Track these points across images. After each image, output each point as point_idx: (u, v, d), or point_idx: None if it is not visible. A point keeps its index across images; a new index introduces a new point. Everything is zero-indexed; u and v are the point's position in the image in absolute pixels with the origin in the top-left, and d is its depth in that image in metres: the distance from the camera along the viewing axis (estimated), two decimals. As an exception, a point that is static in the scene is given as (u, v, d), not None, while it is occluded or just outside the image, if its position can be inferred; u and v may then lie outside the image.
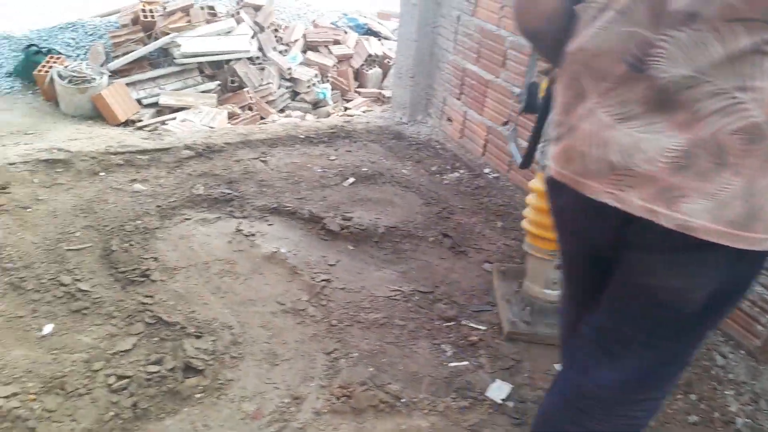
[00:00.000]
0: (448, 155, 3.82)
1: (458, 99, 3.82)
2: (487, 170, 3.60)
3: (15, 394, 1.70)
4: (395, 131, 4.13)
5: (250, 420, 1.79)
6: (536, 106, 2.06)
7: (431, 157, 3.80)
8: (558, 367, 2.15)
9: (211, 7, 4.97)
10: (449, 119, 4.00)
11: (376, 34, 6.50)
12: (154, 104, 4.43)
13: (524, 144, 2.18)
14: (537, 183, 2.21)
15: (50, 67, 4.28)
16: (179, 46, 4.50)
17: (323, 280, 2.44)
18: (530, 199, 2.23)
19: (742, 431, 1.94)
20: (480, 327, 2.30)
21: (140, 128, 4.12)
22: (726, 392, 2.10)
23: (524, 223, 2.25)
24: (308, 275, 2.46)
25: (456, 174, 3.57)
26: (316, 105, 5.37)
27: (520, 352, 2.20)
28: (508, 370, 2.11)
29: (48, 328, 1.98)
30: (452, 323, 2.30)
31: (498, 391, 2.02)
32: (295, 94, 5.34)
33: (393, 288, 2.45)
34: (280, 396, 1.88)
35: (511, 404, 1.97)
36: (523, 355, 2.19)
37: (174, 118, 4.23)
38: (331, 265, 2.56)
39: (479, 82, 3.56)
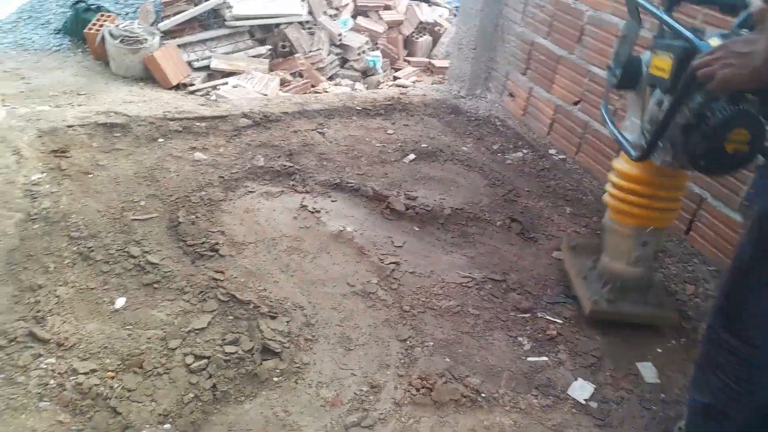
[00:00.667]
0: (510, 133, 3.67)
1: (523, 74, 3.65)
2: (552, 151, 3.44)
3: (94, 371, 1.66)
4: (452, 105, 3.98)
5: (330, 407, 1.73)
6: (635, 82, 1.91)
7: (492, 134, 3.65)
8: (642, 367, 2.05)
9: (263, -32, 4.80)
10: (512, 95, 3.83)
11: (427, 0, 6.27)
12: (206, 68, 4.33)
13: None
14: (619, 162, 2.08)
15: (101, 25, 4.19)
16: (231, 7, 4.37)
17: (392, 263, 2.35)
18: (613, 174, 2.10)
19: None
20: (557, 320, 2.20)
21: (192, 92, 4.04)
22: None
23: (606, 197, 2.12)
24: (376, 256, 2.38)
25: (519, 153, 3.43)
26: (366, 73, 5.22)
27: (600, 348, 2.11)
28: (589, 368, 2.02)
29: (120, 302, 1.94)
30: (528, 315, 2.21)
31: (581, 390, 1.94)
32: (344, 61, 5.19)
33: (464, 274, 2.36)
34: (358, 383, 1.82)
35: (594, 404, 1.89)
36: (604, 352, 2.10)
37: (226, 83, 4.13)
38: (398, 246, 2.48)
39: (549, 58, 3.38)
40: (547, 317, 2.21)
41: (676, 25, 1.65)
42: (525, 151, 3.46)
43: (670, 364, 2.09)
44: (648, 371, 2.04)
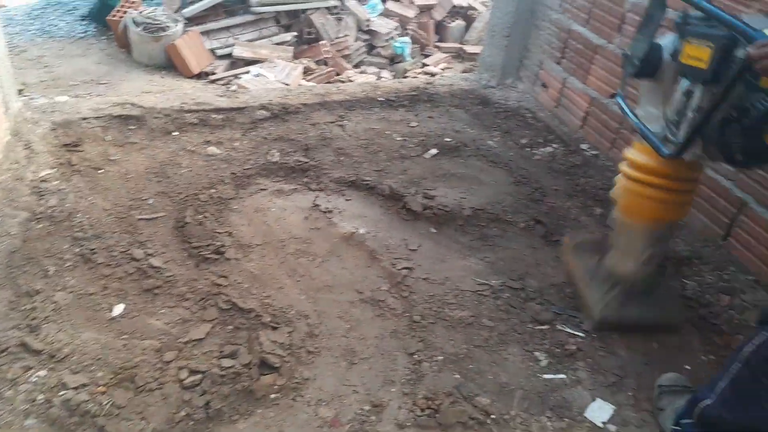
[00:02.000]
0: (540, 126, 3.48)
1: (558, 63, 3.45)
2: (584, 146, 3.25)
3: (84, 385, 1.61)
4: (481, 95, 3.80)
5: (328, 428, 1.64)
6: (655, 70, 1.75)
7: (521, 127, 3.47)
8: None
9: (289, -48, 4.68)
10: (544, 85, 3.63)
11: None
12: (228, 55, 4.25)
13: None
14: (633, 153, 1.93)
15: (125, 12, 4.15)
16: (256, -7, 4.28)
17: (404, 268, 2.24)
18: (626, 166, 1.95)
19: None
20: (578, 333, 2.05)
21: (213, 81, 3.98)
22: None
23: (617, 191, 1.98)
24: (388, 261, 2.27)
25: (549, 148, 3.25)
26: (393, 60, 5.06)
27: (624, 366, 1.96)
28: (609, 387, 1.88)
29: (119, 309, 1.89)
30: (546, 327, 2.07)
31: (599, 411, 1.80)
32: (371, 48, 5.04)
33: (480, 281, 2.23)
34: (359, 401, 1.73)
35: (613, 428, 1.75)
36: (627, 370, 1.95)
37: (247, 72, 4.05)
38: (412, 250, 2.36)
39: (586, 47, 3.18)
40: (568, 330, 2.07)
41: (719, 12, 1.50)
42: (555, 145, 3.28)
43: (698, 383, 1.92)
44: (676, 394, 1.88)
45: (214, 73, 4.00)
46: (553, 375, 1.90)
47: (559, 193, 2.85)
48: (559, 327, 2.08)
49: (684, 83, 1.67)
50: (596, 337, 2.06)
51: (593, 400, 1.82)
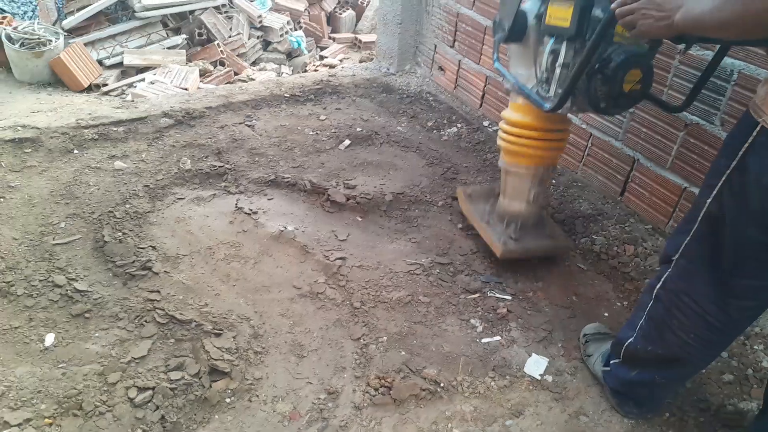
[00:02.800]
0: (443, 108, 3.63)
1: (451, 47, 3.60)
2: (486, 123, 3.44)
3: (28, 420, 1.53)
4: (384, 84, 3.90)
5: (288, 422, 1.67)
6: (522, 34, 1.95)
7: (425, 110, 3.61)
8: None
9: (168, -48, 4.51)
10: (441, 68, 3.79)
11: (346, -26, 6.09)
12: (118, 64, 4.05)
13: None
14: (512, 114, 2.16)
15: (-4, 28, 3.84)
16: (139, -2, 4.09)
17: (338, 259, 2.29)
18: (504, 124, 2.19)
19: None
20: (506, 297, 2.21)
21: (106, 93, 3.78)
22: (755, 347, 2.08)
23: (501, 142, 2.21)
24: (321, 254, 2.31)
25: (454, 129, 3.40)
26: (290, 55, 5.04)
27: (550, 321, 2.13)
28: (541, 342, 2.05)
29: (50, 339, 1.80)
30: (477, 295, 2.21)
31: (535, 366, 1.96)
32: (266, 44, 4.99)
33: (411, 261, 2.33)
34: (315, 392, 1.77)
35: (549, 378, 1.91)
36: (554, 324, 2.13)
37: (142, 80, 3.88)
38: (342, 240, 2.41)
39: (476, 28, 3.35)
40: (497, 295, 2.22)
41: None
42: (459, 125, 3.44)
43: (617, 328, 2.13)
44: (598, 338, 2.08)
45: (105, 85, 3.79)
46: (490, 338, 2.04)
47: (470, 170, 3.01)
48: (488, 294, 2.22)
49: (549, 43, 1.84)
50: (522, 298, 2.23)
51: (529, 356, 1.98)
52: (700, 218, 1.40)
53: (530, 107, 2.06)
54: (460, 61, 3.57)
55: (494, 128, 3.38)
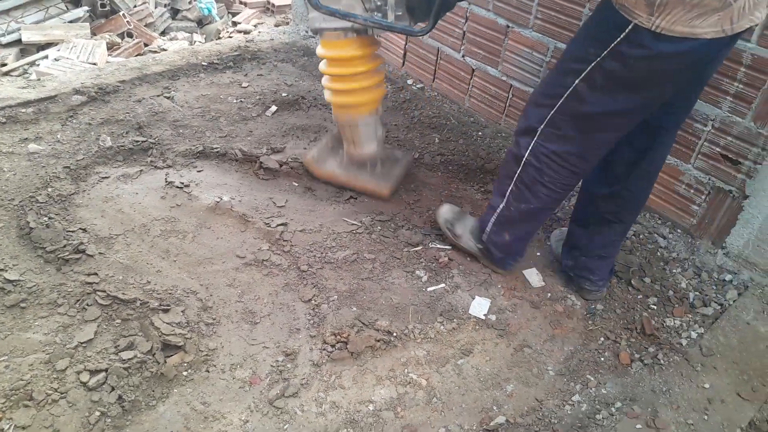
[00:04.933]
0: (366, 68, 3.62)
1: (369, 6, 3.58)
2: (409, 81, 3.48)
3: (-25, 417, 1.47)
4: (303, 47, 3.84)
5: (249, 386, 1.69)
6: None
7: (348, 72, 3.59)
8: (528, 274, 2.22)
9: None
10: (360, 29, 3.76)
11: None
12: (16, 42, 3.74)
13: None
14: (337, 51, 2.19)
15: None
16: (28, -33, 3.77)
17: (279, 225, 2.29)
18: (333, 69, 2.24)
19: (695, 304, 2.14)
20: (446, 247, 2.30)
21: (6, 74, 3.49)
22: (674, 270, 2.29)
23: (336, 98, 2.30)
24: (261, 221, 2.30)
25: (379, 88, 3.41)
26: (201, 23, 4.83)
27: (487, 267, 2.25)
28: (482, 285, 2.16)
29: (-15, 333, 1.71)
30: (419, 248, 2.28)
31: (479, 307, 2.07)
32: (175, 13, 4.75)
33: (352, 222, 2.37)
34: (272, 355, 1.79)
35: (493, 317, 2.03)
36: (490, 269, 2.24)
37: (45, 57, 3.61)
38: (280, 207, 2.41)
39: (392, -13, 3.34)
40: (438, 246, 2.30)
41: None
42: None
43: (549, 265, 2.28)
44: (534, 277, 2.22)
45: (4, 65, 3.50)
46: (435, 286, 2.12)
47: (400, 128, 3.05)
48: (429, 246, 2.30)
49: None
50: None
51: (472, 298, 2.08)
52: (566, 95, 1.66)
53: (352, 41, 2.15)
54: (379, 20, 3.56)
55: (418, 86, 3.43)
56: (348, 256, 2.19)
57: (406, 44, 3.44)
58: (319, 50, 2.22)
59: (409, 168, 2.66)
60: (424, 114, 3.19)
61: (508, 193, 1.97)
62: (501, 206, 2.01)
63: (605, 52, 1.51)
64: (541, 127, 1.77)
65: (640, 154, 1.84)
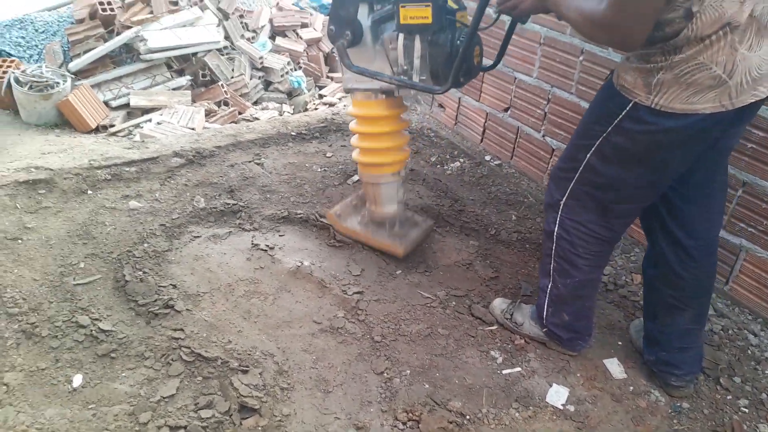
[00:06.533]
0: (444, 144, 3.72)
1: (452, 85, 3.71)
2: (487, 157, 3.53)
3: (62, 462, 1.53)
4: (385, 120, 3.99)
5: (319, 458, 1.68)
6: (360, 37, 2.15)
7: (427, 146, 3.69)
8: (609, 364, 2.13)
9: (172, -4, 4.64)
10: (441, 106, 3.90)
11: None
12: (124, 105, 4.11)
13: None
14: (365, 109, 2.34)
15: (4, 72, 3.89)
16: (145, 40, 4.17)
17: (355, 293, 2.33)
18: (362, 128, 2.38)
19: (796, 413, 1.97)
20: (523, 328, 2.24)
21: (113, 134, 3.82)
22: (767, 371, 2.13)
23: (362, 158, 2.43)
24: (338, 288, 2.35)
25: (457, 163, 3.48)
26: (291, 94, 5.14)
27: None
28: (560, 372, 2.08)
29: (78, 380, 1.80)
30: (495, 327, 2.24)
31: (557, 395, 1.99)
32: (268, 84, 5.09)
33: (426, 295, 2.37)
34: (343, 427, 1.78)
35: (571, 408, 1.94)
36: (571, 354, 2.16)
37: (149, 120, 3.94)
38: (356, 275, 2.45)
39: (476, 68, 3.46)
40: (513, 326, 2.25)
41: None
42: (462, 160, 3.52)
43: (632, 356, 2.18)
44: (615, 368, 2.12)
45: (112, 126, 3.84)
46: (511, 369, 2.07)
47: (476, 203, 3.08)
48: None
49: (401, 39, 2.05)
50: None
51: (550, 385, 2.01)
52: (581, 168, 1.75)
53: (380, 102, 2.29)
54: (460, 98, 3.68)
55: (496, 162, 3.47)
56: (422, 329, 2.18)
57: (485, 121, 3.51)
58: (350, 109, 2.40)
59: (428, 234, 2.72)
60: (501, 190, 3.20)
61: (552, 271, 2.00)
62: (550, 286, 2.03)
63: (610, 128, 1.62)
64: (564, 200, 1.86)
65: (671, 234, 1.85)
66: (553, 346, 2.15)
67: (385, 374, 1.98)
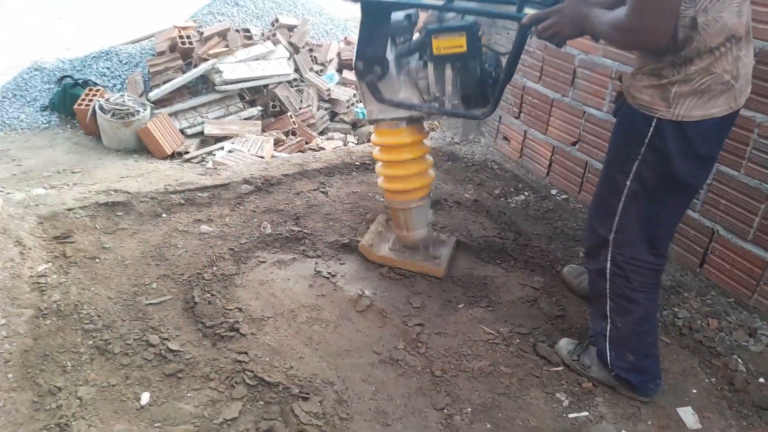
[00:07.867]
0: (508, 176, 3.68)
1: (516, 118, 3.69)
2: (554, 191, 3.46)
3: (129, 479, 1.57)
4: (448, 152, 4.00)
5: (376, 493, 1.65)
6: (388, 68, 2.15)
7: (491, 178, 3.66)
8: (683, 413, 2.00)
9: (247, 30, 4.87)
10: (506, 138, 3.87)
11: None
12: (199, 134, 4.32)
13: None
14: (379, 138, 2.40)
15: (90, 100, 4.17)
16: (220, 72, 4.39)
17: (416, 325, 2.30)
18: (378, 153, 2.43)
19: None
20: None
21: (187, 160, 4.01)
22: None
23: (389, 185, 2.46)
24: (399, 319, 2.33)
25: (521, 196, 3.43)
26: (355, 125, 5.25)
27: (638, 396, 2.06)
28: (630, 419, 1.97)
29: (145, 397, 1.86)
30: (561, 368, 2.16)
31: (626, 444, 1.88)
32: (333, 115, 5.22)
33: (489, 330, 2.32)
34: (401, 462, 1.75)
35: (642, 458, 1.83)
36: (642, 400, 2.05)
37: (221, 148, 4.11)
38: (417, 307, 2.43)
39: (542, 101, 3.43)
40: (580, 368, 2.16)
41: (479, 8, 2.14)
42: (526, 193, 3.47)
43: (707, 406, 2.05)
44: (689, 417, 2.00)
45: (187, 152, 4.04)
46: (577, 413, 1.98)
47: (542, 237, 3.01)
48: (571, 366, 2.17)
49: (431, 68, 2.11)
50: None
51: (618, 432, 1.91)
52: (624, 198, 1.77)
53: (404, 129, 2.32)
54: (525, 131, 3.64)
55: (562, 197, 3.39)
56: (484, 366, 2.13)
57: (552, 155, 3.45)
58: (374, 138, 2.43)
59: (455, 250, 2.77)
60: (568, 225, 3.12)
61: (608, 312, 1.97)
62: (608, 328, 1.99)
63: (643, 148, 1.67)
64: (612, 235, 1.85)
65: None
66: (623, 391, 2.05)
67: (446, 411, 1.94)
